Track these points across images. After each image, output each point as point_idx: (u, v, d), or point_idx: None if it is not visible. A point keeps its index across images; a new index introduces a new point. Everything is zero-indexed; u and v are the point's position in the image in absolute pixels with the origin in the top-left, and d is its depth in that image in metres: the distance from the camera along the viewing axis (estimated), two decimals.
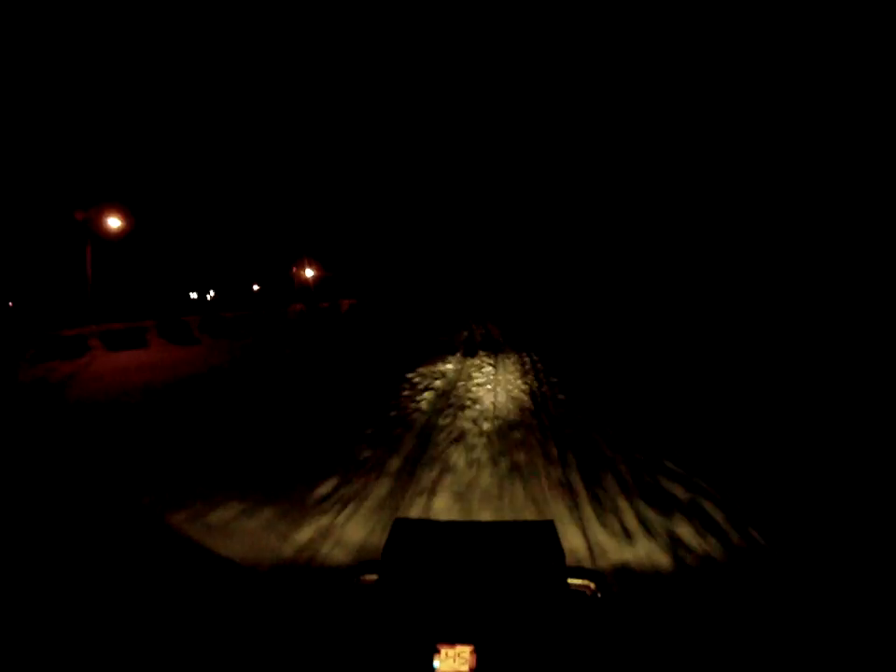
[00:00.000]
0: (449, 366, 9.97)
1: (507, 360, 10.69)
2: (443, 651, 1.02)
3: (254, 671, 1.19)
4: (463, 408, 6.67)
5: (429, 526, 1.78)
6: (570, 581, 1.31)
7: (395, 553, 1.33)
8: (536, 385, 8.07)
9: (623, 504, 3.74)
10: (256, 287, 49.14)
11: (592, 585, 1.32)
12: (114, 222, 17.59)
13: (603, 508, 3.69)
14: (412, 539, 1.40)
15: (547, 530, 1.39)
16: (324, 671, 1.07)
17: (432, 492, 4.00)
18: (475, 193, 54.74)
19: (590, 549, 3.10)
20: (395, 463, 4.68)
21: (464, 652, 1.01)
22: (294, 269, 41.59)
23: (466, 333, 16.00)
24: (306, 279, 41.53)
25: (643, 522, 3.46)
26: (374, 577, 1.33)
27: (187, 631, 1.40)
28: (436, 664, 1.01)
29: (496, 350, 12.24)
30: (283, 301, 34.91)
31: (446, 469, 4.49)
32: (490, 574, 1.24)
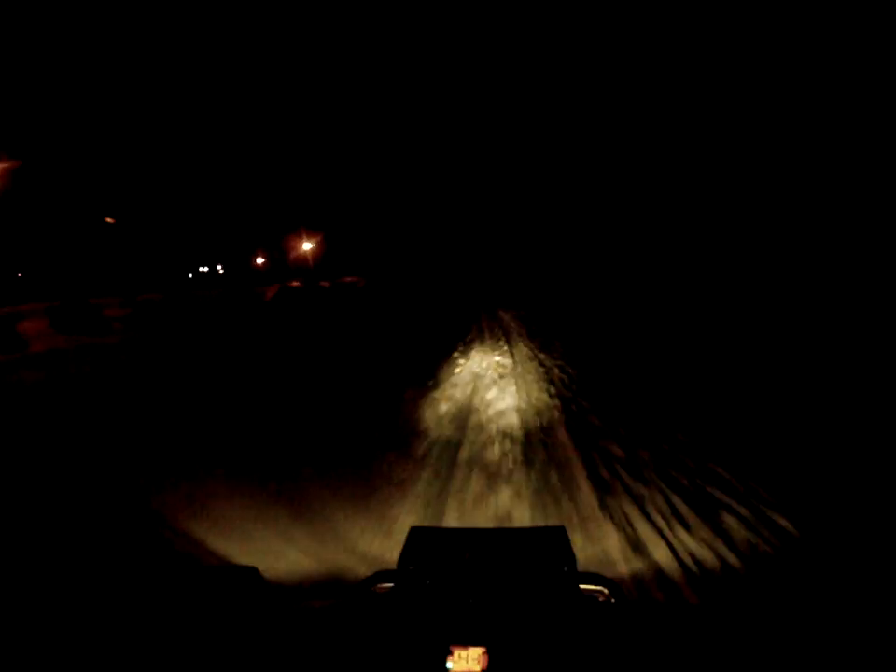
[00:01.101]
0: None
1: None
2: (456, 652, 1.05)
3: None
4: None
5: (444, 534, 1.79)
6: (583, 586, 1.33)
7: (410, 561, 1.38)
8: None
9: None
10: (260, 261, 45.66)
11: (605, 591, 1.33)
12: None
13: None
14: (427, 546, 1.46)
15: (558, 535, 1.45)
16: None
17: None
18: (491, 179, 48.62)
19: None
20: None
21: (476, 653, 1.04)
22: (287, 242, 38.16)
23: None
24: (304, 254, 38.11)
25: None
26: (389, 585, 1.37)
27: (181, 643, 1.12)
28: (448, 664, 1.04)
29: None
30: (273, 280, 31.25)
31: None
32: (502, 578, 1.29)
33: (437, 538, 1.55)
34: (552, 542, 1.41)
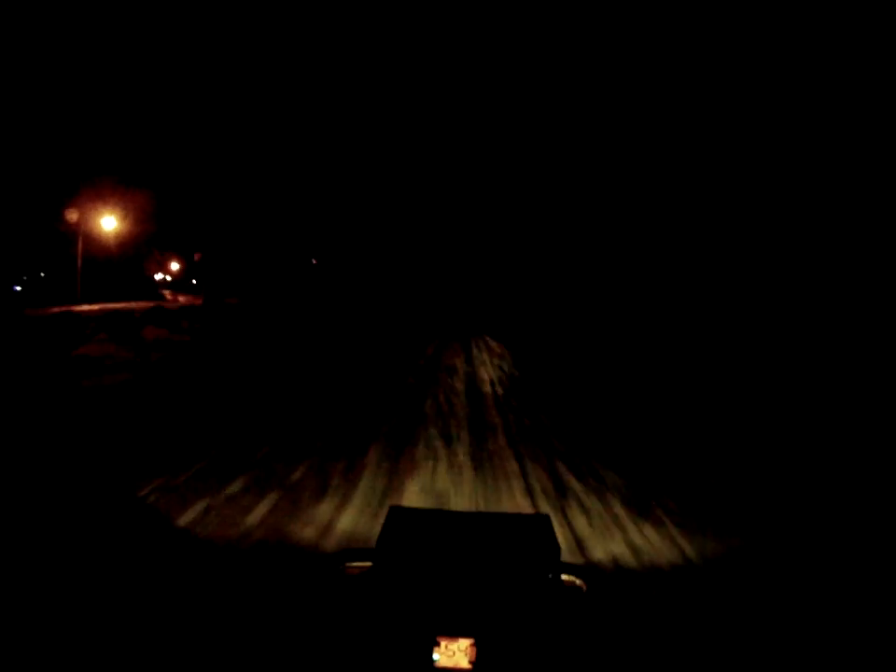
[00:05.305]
0: None
1: None
2: (443, 643, 1.01)
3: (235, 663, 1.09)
4: None
5: (425, 516, 1.74)
6: (564, 577, 1.30)
7: (391, 542, 1.32)
8: None
9: None
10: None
11: (579, 582, 1.32)
12: None
13: None
14: (407, 527, 1.41)
15: (543, 524, 1.41)
16: (317, 666, 1.03)
17: None
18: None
19: None
20: None
21: (464, 645, 1.01)
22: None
23: None
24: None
25: None
26: (362, 565, 1.34)
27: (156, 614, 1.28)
28: (435, 656, 1.01)
29: None
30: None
31: None
32: (489, 567, 1.24)
33: (418, 519, 1.54)
34: (536, 531, 1.39)
